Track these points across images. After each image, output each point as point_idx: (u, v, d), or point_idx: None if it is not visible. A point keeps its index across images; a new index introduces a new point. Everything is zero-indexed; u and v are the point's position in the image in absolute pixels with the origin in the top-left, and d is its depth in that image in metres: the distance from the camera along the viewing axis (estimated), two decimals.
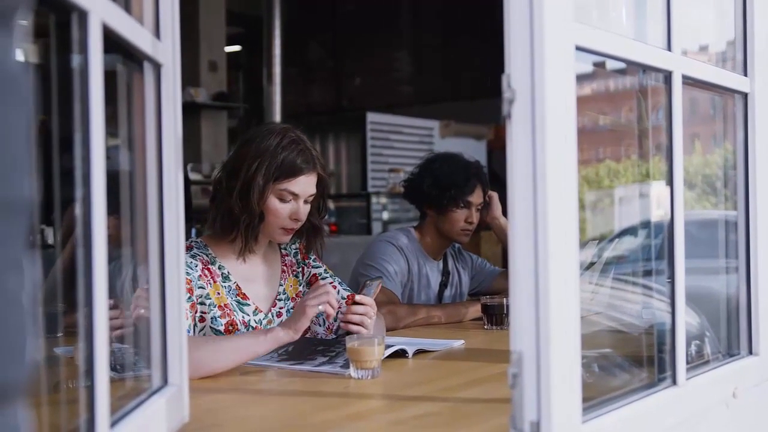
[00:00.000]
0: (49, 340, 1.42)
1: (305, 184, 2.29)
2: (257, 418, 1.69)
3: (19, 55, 0.61)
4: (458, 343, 2.43)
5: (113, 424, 1.13)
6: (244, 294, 2.32)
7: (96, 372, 1.04)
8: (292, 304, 2.42)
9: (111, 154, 1.14)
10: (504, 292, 3.03)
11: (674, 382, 1.57)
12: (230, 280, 2.30)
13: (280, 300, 2.41)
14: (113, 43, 1.15)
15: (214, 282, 2.27)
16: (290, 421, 1.64)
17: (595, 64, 1.54)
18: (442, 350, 2.34)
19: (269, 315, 2.36)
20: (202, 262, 2.25)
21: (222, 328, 2.23)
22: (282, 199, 2.27)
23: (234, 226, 2.28)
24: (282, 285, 2.43)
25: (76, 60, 1.04)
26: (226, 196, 2.27)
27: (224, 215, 2.28)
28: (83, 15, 1.02)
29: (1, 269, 0.57)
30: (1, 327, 0.57)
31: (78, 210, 1.05)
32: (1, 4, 0.58)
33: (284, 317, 2.37)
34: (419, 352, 2.26)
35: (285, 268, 2.46)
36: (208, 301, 2.23)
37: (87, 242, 1.04)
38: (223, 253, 2.33)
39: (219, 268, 2.30)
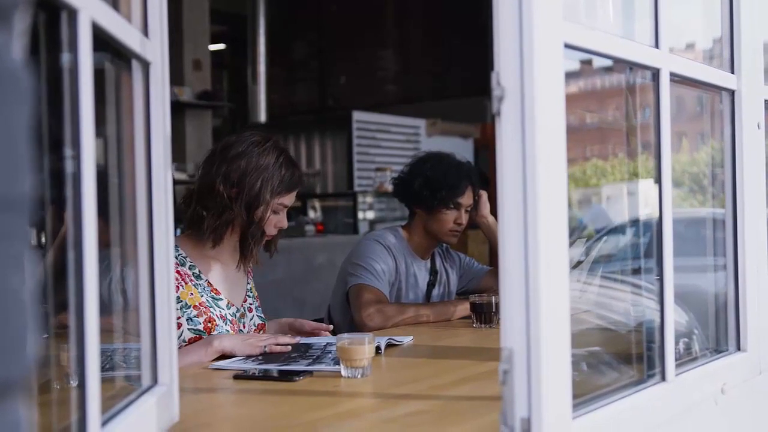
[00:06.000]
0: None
1: (294, 196, 2.46)
2: (247, 418, 1.68)
3: (19, 52, 0.60)
4: (407, 339, 2.46)
5: (104, 423, 1.12)
6: (216, 289, 2.40)
7: (87, 372, 1.03)
8: (257, 303, 2.57)
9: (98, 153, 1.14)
10: (492, 290, 3.04)
11: (663, 378, 1.58)
12: (202, 279, 2.38)
13: (249, 296, 2.53)
14: (101, 41, 1.14)
15: (186, 283, 2.33)
16: (280, 420, 1.64)
17: (582, 62, 1.55)
18: (406, 345, 2.41)
19: (242, 309, 2.47)
20: None
21: (201, 327, 2.31)
22: (275, 212, 2.40)
23: (223, 235, 2.37)
24: (249, 284, 2.56)
25: (65, 58, 1.04)
26: (226, 207, 2.33)
27: (224, 224, 2.35)
28: (73, 13, 1.02)
29: (4, 266, 0.58)
30: (4, 323, 0.57)
31: (67, 210, 1.04)
32: (1, 2, 0.58)
33: (254, 312, 2.52)
34: (389, 346, 2.32)
35: (249, 269, 2.57)
36: (179, 304, 2.28)
37: (77, 243, 1.03)
38: (195, 252, 2.41)
39: (189, 268, 2.37)
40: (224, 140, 2.44)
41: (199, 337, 2.28)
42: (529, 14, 1.20)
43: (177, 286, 2.28)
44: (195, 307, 2.31)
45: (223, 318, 2.36)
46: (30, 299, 0.61)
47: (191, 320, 2.29)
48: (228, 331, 2.35)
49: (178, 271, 2.30)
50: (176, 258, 2.33)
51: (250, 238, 2.37)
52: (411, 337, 2.48)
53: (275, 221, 2.40)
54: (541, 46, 1.21)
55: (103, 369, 1.14)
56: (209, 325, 2.31)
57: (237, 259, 2.45)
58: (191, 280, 2.34)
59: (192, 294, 2.32)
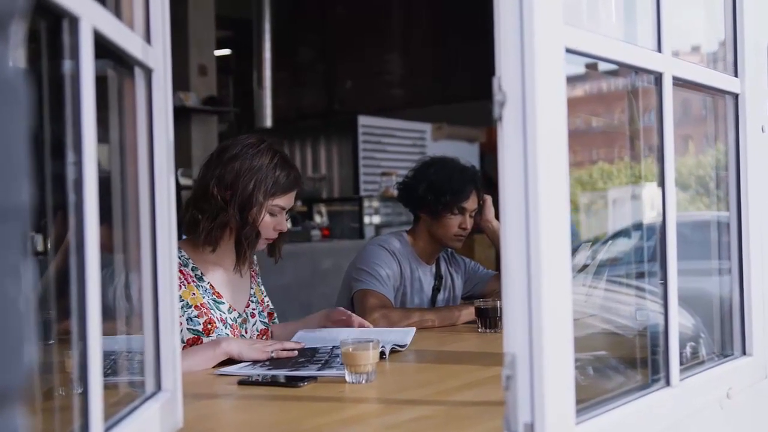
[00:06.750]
0: (41, 348, 1.41)
1: (292, 199, 2.44)
2: (251, 424, 1.68)
3: (16, 61, 0.61)
4: (410, 333, 2.48)
5: (107, 429, 1.12)
6: (219, 293, 2.40)
7: (90, 379, 1.03)
8: (261, 308, 2.55)
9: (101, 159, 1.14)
10: (497, 295, 3.03)
11: (668, 382, 1.57)
12: (204, 281, 2.38)
13: (252, 302, 2.53)
14: (104, 48, 1.15)
15: (188, 283, 2.34)
16: (285, 426, 1.63)
17: (587, 66, 1.55)
18: (410, 345, 2.41)
19: (244, 314, 2.46)
20: None
21: (200, 327, 2.31)
22: (272, 214, 2.39)
23: (222, 238, 2.38)
24: (252, 289, 2.55)
25: (66, 65, 1.04)
26: (221, 209, 2.33)
27: (219, 227, 2.35)
28: (74, 21, 1.02)
29: (1, 275, 0.58)
30: (1, 332, 0.57)
31: (70, 216, 1.04)
32: None
33: (257, 318, 2.51)
34: (393, 352, 2.32)
35: (253, 274, 2.58)
36: (180, 303, 2.28)
37: (79, 249, 1.03)
38: (197, 256, 2.41)
39: (192, 270, 2.38)
40: (221, 144, 2.47)
41: (198, 338, 2.28)
42: (530, 19, 1.20)
43: (179, 285, 2.28)
44: (196, 307, 2.31)
45: (223, 321, 2.36)
46: (27, 308, 0.61)
47: (191, 320, 2.30)
48: (227, 334, 2.35)
49: (180, 271, 2.31)
50: (179, 259, 2.33)
51: (244, 239, 2.36)
52: (413, 329, 2.51)
53: (274, 224, 2.39)
54: (542, 50, 1.21)
55: (106, 374, 1.15)
56: (209, 326, 2.31)
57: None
58: (193, 281, 2.35)
59: (194, 294, 2.33)
